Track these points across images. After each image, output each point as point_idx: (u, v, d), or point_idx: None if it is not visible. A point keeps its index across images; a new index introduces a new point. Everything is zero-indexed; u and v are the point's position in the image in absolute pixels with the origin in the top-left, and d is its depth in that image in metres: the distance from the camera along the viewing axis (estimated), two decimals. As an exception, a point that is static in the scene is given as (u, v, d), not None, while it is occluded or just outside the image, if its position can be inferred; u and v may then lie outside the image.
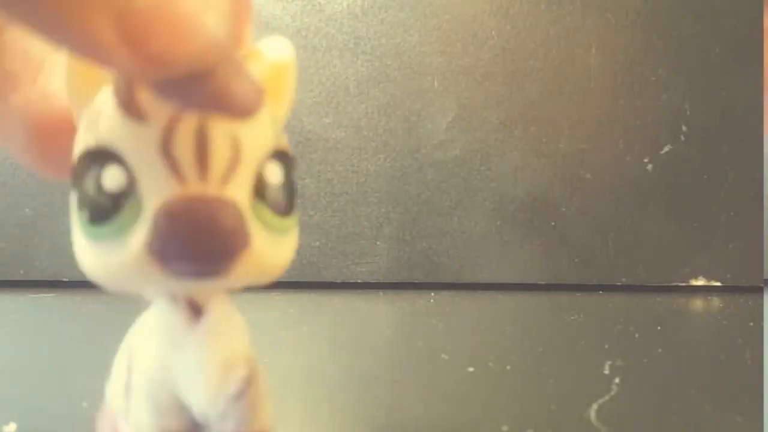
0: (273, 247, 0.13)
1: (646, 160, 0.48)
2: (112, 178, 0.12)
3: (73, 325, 0.39)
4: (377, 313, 0.44)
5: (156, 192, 0.11)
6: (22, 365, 0.31)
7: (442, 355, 0.32)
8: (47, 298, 0.44)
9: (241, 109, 0.12)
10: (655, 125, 0.48)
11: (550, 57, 0.48)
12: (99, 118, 0.12)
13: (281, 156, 0.13)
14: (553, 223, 0.48)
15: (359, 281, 0.48)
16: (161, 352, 0.13)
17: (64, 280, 0.47)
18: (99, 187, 0.12)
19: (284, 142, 0.13)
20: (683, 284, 0.49)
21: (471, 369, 0.30)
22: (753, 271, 0.49)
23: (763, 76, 0.47)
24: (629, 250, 0.49)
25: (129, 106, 0.11)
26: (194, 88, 0.11)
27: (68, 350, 0.33)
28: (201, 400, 0.13)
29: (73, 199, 0.12)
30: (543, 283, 0.49)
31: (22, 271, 0.47)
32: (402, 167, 0.48)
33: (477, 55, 0.48)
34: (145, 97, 0.11)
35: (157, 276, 0.12)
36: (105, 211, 0.12)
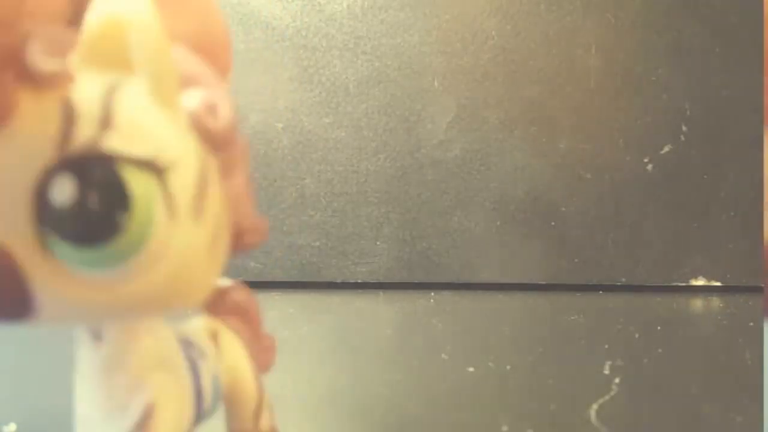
0: (89, 283, 0.10)
1: (646, 160, 0.48)
2: None
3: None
4: (377, 313, 0.44)
5: None
6: (22, 365, 0.31)
7: (443, 355, 0.32)
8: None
9: None
10: (655, 125, 0.48)
11: (550, 57, 0.48)
12: None
13: (82, 160, 0.10)
14: (553, 223, 0.48)
15: (359, 281, 0.48)
16: (76, 381, 0.13)
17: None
18: None
19: (106, 136, 0.10)
20: (683, 284, 0.49)
21: (471, 369, 0.30)
22: (752, 271, 0.48)
23: (763, 76, 0.47)
24: (629, 250, 0.49)
25: None
26: None
27: (68, 350, 0.33)
28: (103, 429, 0.12)
29: None
30: (543, 283, 0.49)
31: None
32: (402, 167, 0.48)
33: (477, 55, 0.48)
34: None
35: None
36: None
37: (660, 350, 0.33)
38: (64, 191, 0.09)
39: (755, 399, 0.26)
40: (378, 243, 0.48)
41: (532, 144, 0.48)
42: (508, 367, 0.30)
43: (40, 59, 0.10)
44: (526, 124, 0.48)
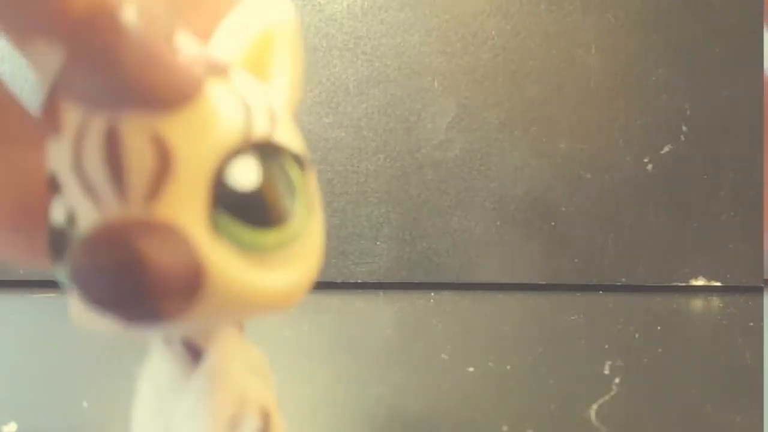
0: (253, 269, 0.10)
1: (646, 160, 0.48)
2: (55, 211, 0.10)
3: (73, 325, 0.39)
4: (377, 313, 0.44)
5: (81, 221, 0.09)
6: (22, 365, 0.31)
7: (442, 355, 0.32)
8: (47, 298, 0.44)
9: (157, 99, 0.09)
10: (655, 125, 0.48)
11: (550, 57, 0.48)
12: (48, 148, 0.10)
13: (261, 148, 0.10)
14: (553, 223, 0.48)
15: (359, 281, 0.48)
16: (159, 405, 0.12)
17: (64, 280, 0.47)
18: (50, 224, 0.10)
19: (274, 130, 0.11)
20: (683, 284, 0.49)
21: (471, 369, 0.30)
22: (753, 271, 0.48)
23: (763, 76, 0.47)
24: (629, 249, 0.49)
25: (48, 117, 0.09)
26: (98, 79, 0.08)
27: (68, 350, 0.33)
28: None
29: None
30: (543, 283, 0.49)
31: (21, 271, 0.47)
32: (402, 167, 0.48)
33: (477, 55, 0.48)
34: (64, 104, 0.09)
35: (108, 322, 0.09)
36: (57, 250, 0.10)
37: (660, 350, 0.33)
38: (247, 175, 0.10)
39: (755, 399, 0.26)
40: (378, 243, 0.48)
41: (532, 144, 0.48)
42: (508, 367, 0.30)
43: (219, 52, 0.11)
44: (526, 124, 0.48)
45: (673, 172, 0.48)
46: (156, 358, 0.12)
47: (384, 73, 0.48)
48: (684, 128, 0.48)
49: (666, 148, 0.49)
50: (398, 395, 0.27)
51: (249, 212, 0.10)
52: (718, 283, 0.49)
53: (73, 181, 0.09)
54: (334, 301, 0.45)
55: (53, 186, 0.10)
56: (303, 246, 0.11)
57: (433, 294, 0.46)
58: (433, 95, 0.48)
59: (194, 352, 0.11)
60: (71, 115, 0.09)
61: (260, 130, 0.10)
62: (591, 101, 0.48)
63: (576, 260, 0.49)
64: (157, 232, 0.09)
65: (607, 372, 0.29)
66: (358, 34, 0.48)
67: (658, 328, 0.38)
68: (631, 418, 0.24)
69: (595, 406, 0.25)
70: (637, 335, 0.37)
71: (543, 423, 0.24)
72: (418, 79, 0.48)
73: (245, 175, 0.10)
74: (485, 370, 0.30)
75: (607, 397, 0.26)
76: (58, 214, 0.10)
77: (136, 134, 0.09)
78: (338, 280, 0.48)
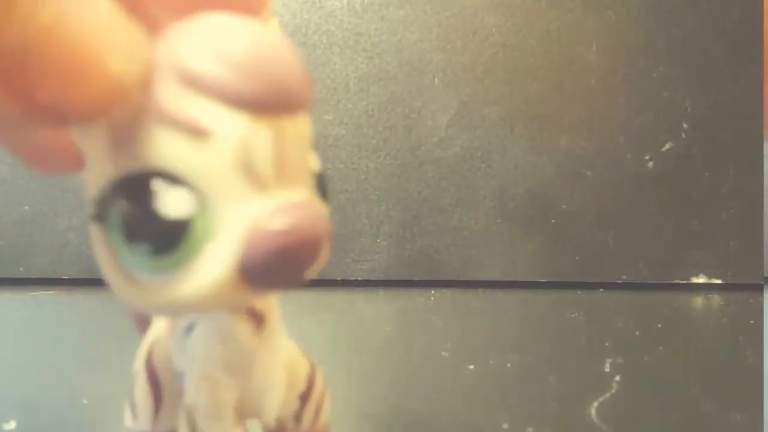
0: None
1: (647, 158, 0.48)
2: (178, 201, 0.10)
3: (73, 322, 0.39)
4: (378, 310, 0.44)
5: (235, 207, 0.10)
6: (21, 363, 0.31)
7: (443, 353, 0.32)
8: (47, 295, 0.44)
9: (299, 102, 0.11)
10: (656, 122, 0.48)
11: (551, 54, 0.48)
12: (137, 138, 0.10)
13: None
14: (553, 221, 0.48)
15: (360, 279, 0.48)
16: (229, 366, 0.13)
17: (64, 277, 0.47)
18: (158, 215, 0.10)
19: None
20: (684, 282, 0.49)
21: (471, 367, 0.30)
22: (753, 268, 0.48)
23: (763, 74, 0.47)
24: (630, 247, 0.48)
25: (188, 125, 0.10)
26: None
27: (68, 348, 0.33)
28: (276, 402, 0.14)
29: (106, 233, 0.11)
30: (544, 280, 0.49)
31: (21, 269, 0.47)
32: (402, 165, 0.48)
33: (477, 52, 0.48)
34: (203, 112, 0.10)
35: (241, 294, 0.11)
36: (172, 238, 0.10)
37: (660, 348, 0.33)
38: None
39: (756, 397, 0.26)
40: (378, 241, 0.48)
41: (532, 141, 0.48)
42: (509, 365, 0.30)
43: None
44: (526, 121, 0.48)
45: (674, 170, 0.48)
46: (205, 334, 0.13)
47: (384, 70, 0.48)
48: (685, 125, 0.48)
49: (667, 146, 0.48)
50: (398, 393, 0.27)
51: (320, 190, 0.14)
52: (719, 281, 0.49)
53: (232, 173, 0.10)
54: (334, 298, 0.45)
55: (156, 178, 0.10)
56: None
57: (433, 291, 0.46)
58: (434, 92, 0.48)
59: (257, 318, 0.14)
60: (225, 122, 0.10)
61: None
62: (592, 98, 0.48)
63: (576, 258, 0.49)
64: (316, 208, 0.11)
65: (607, 370, 0.29)
66: (358, 31, 0.48)
67: (659, 325, 0.38)
68: (632, 416, 0.24)
69: (595, 404, 0.25)
70: (637, 333, 0.37)
71: (543, 421, 0.23)
72: (419, 76, 0.48)
73: (315, 160, 0.13)
74: (485, 367, 0.30)
75: (607, 395, 0.26)
76: (180, 203, 0.10)
77: (292, 133, 0.11)
78: (339, 278, 0.48)
